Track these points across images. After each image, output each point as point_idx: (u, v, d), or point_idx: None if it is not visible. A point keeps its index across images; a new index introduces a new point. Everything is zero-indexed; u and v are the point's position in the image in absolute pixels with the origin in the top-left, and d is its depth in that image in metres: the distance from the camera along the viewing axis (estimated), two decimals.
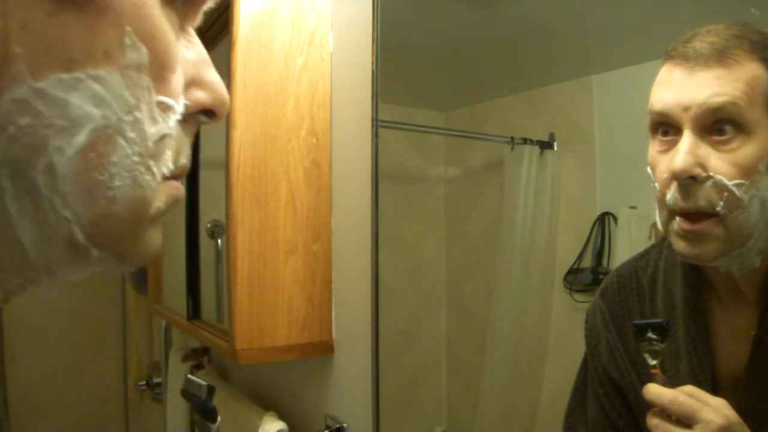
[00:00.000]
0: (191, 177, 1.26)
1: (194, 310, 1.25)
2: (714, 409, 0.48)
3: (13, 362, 2.21)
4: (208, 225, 1.30)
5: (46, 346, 2.27)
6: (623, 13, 0.74)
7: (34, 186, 0.25)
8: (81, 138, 0.25)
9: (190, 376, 0.93)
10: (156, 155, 0.28)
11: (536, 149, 0.85)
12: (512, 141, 0.88)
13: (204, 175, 1.27)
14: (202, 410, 0.93)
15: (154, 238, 0.31)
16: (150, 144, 0.27)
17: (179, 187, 0.31)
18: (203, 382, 0.91)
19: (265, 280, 0.95)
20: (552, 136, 0.84)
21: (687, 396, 0.50)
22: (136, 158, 0.27)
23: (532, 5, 0.92)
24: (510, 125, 0.91)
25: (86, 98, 0.25)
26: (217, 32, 1.10)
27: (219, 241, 1.29)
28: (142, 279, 1.54)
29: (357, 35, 0.96)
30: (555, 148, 0.83)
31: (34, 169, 0.24)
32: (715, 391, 0.54)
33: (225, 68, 0.95)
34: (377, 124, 0.90)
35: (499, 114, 0.97)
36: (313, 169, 1.00)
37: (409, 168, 1.12)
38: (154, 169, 0.28)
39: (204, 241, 1.29)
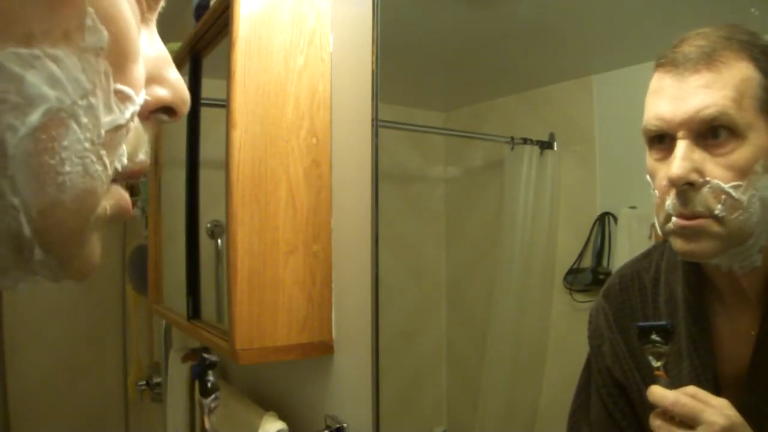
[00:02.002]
0: (191, 177, 1.27)
1: (194, 310, 1.25)
2: (717, 409, 0.49)
3: (13, 362, 2.21)
4: (208, 225, 1.30)
5: (46, 346, 2.28)
6: (623, 13, 0.74)
7: None
8: (34, 118, 0.24)
9: (204, 354, 0.95)
10: (108, 145, 0.27)
11: (536, 149, 0.85)
12: (512, 141, 0.88)
13: (204, 175, 1.26)
14: (198, 380, 0.95)
15: (96, 246, 0.30)
16: (102, 132, 0.26)
17: (128, 201, 0.31)
18: (208, 356, 0.93)
19: (265, 280, 0.95)
20: (552, 136, 0.84)
21: (689, 397, 0.50)
22: (87, 145, 0.26)
23: (532, 5, 0.92)
24: (510, 125, 0.91)
25: (42, 77, 0.24)
26: (217, 32, 1.10)
27: (219, 241, 1.29)
28: (142, 279, 1.54)
29: (357, 35, 0.96)
30: (555, 148, 0.83)
31: None
32: (716, 391, 0.54)
33: (225, 68, 0.95)
34: (377, 124, 0.90)
35: (499, 114, 0.97)
36: (313, 169, 1.00)
37: (409, 168, 1.12)
38: (106, 160, 0.27)
39: (204, 241, 1.29)
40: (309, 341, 0.98)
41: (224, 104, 0.95)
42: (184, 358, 1.47)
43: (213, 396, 0.95)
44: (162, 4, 0.32)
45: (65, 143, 0.25)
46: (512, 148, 0.88)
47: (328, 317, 1.01)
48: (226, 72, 0.94)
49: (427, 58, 1.07)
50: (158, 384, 1.84)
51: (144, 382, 1.90)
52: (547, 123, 0.85)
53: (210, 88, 1.18)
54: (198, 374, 0.95)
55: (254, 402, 1.12)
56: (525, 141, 0.87)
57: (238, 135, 0.93)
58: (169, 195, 1.45)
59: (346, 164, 0.99)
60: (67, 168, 0.25)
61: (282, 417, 1.03)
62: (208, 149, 1.26)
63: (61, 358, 2.31)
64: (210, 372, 0.96)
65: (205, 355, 0.95)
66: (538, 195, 0.86)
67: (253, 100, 0.94)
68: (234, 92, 0.92)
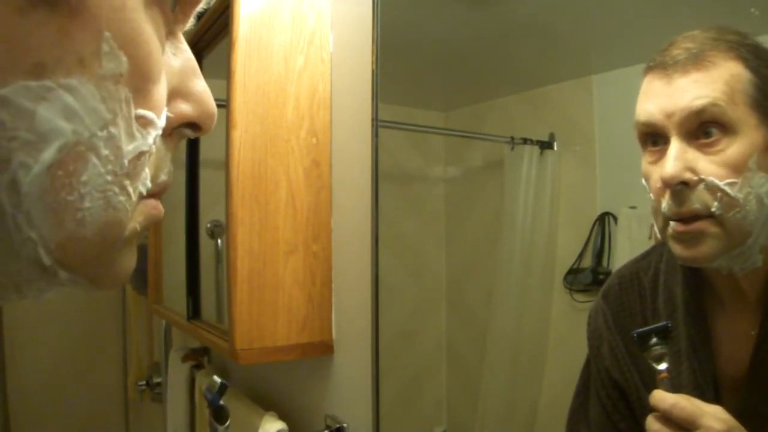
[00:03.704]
0: (191, 177, 1.27)
1: (194, 310, 1.25)
2: (712, 415, 0.49)
3: (13, 362, 2.21)
4: (208, 225, 1.30)
5: (46, 346, 2.27)
6: (623, 13, 0.74)
7: None
8: (49, 154, 0.22)
9: (215, 377, 0.93)
10: (132, 174, 0.25)
11: (536, 149, 0.85)
12: (512, 141, 0.88)
13: (204, 175, 1.27)
14: (210, 407, 0.93)
15: (127, 260, 0.29)
16: (125, 162, 0.25)
17: (157, 206, 0.29)
18: (218, 380, 0.91)
19: (265, 280, 0.95)
20: (552, 136, 0.84)
21: (688, 401, 0.50)
22: (109, 177, 0.24)
23: (532, 5, 0.92)
24: (510, 125, 0.91)
25: (56, 110, 0.22)
26: (217, 32, 1.10)
27: (219, 241, 1.29)
28: (142, 279, 1.54)
29: (357, 35, 0.96)
30: (555, 148, 0.83)
31: None
32: (716, 393, 0.54)
33: (225, 68, 0.95)
34: (377, 124, 0.90)
35: (499, 114, 0.97)
36: (313, 169, 1.00)
37: (409, 168, 1.12)
38: (129, 189, 0.25)
39: (204, 241, 1.29)
40: (309, 341, 0.98)
41: (224, 104, 0.95)
42: (184, 358, 1.47)
43: (228, 423, 0.94)
44: (192, 17, 0.30)
45: (84, 178, 0.23)
46: (512, 148, 0.88)
47: (328, 317, 1.01)
48: (226, 72, 0.94)
49: (427, 58, 1.07)
50: (158, 384, 1.83)
51: (144, 382, 1.90)
52: (547, 123, 0.85)
53: (210, 88, 1.18)
54: (216, 403, 0.92)
55: (254, 402, 1.12)
56: (525, 141, 0.87)
57: (238, 135, 0.93)
58: (169, 195, 1.44)
59: (346, 164, 0.99)
60: (87, 204, 0.24)
61: (282, 417, 1.03)
62: (208, 149, 1.26)
63: (61, 358, 2.31)
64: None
65: (217, 379, 0.92)
66: (538, 195, 0.86)
67: (253, 100, 0.94)
68: (234, 92, 0.92)
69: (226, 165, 0.94)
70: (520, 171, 0.87)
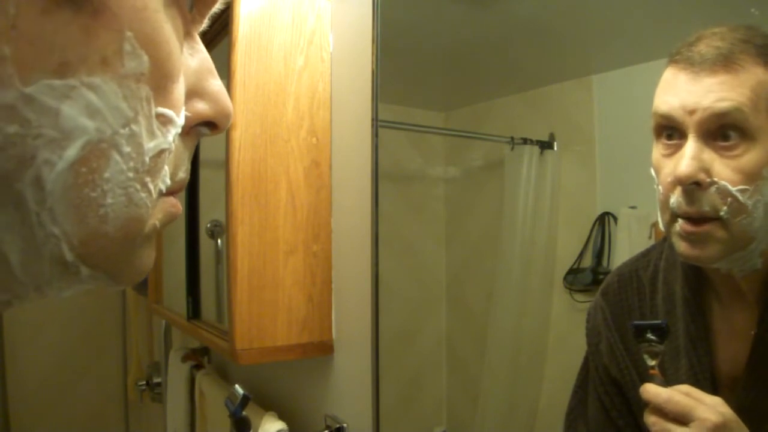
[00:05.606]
0: (191, 177, 1.26)
1: (194, 310, 1.25)
2: (710, 407, 0.49)
3: (13, 362, 2.21)
4: (208, 225, 1.30)
5: (46, 346, 2.27)
6: (623, 13, 0.74)
7: (21, 199, 0.23)
8: (72, 152, 0.23)
9: (236, 386, 0.93)
10: (152, 171, 0.26)
11: (536, 149, 0.85)
12: (512, 141, 0.88)
13: (204, 175, 1.26)
14: (233, 418, 0.92)
15: (147, 255, 0.29)
16: (147, 159, 0.25)
17: (176, 204, 0.30)
18: (240, 391, 0.91)
19: (265, 280, 0.95)
20: (552, 136, 0.84)
21: (683, 395, 0.50)
22: (131, 174, 0.25)
23: (532, 5, 0.92)
24: (510, 125, 0.91)
25: (79, 108, 0.23)
26: (217, 32, 1.10)
27: (219, 241, 1.29)
28: (143, 279, 1.54)
29: (357, 35, 0.96)
30: (555, 148, 0.83)
31: (21, 181, 0.22)
32: (714, 390, 0.54)
33: (225, 68, 0.95)
34: (377, 124, 0.90)
35: (499, 114, 0.97)
36: (313, 168, 1.00)
37: (409, 168, 1.12)
38: (150, 186, 0.26)
39: (204, 241, 1.29)
40: (309, 341, 0.98)
41: None
42: (184, 358, 1.47)
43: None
44: (213, 9, 0.31)
45: (107, 175, 0.24)
46: (512, 148, 0.88)
47: (328, 317, 1.01)
48: (226, 72, 0.94)
49: (427, 58, 1.07)
50: (158, 384, 1.83)
51: (144, 382, 1.90)
52: (547, 123, 0.85)
53: None
54: (238, 414, 0.91)
55: (254, 402, 1.12)
56: (525, 141, 0.87)
57: (238, 135, 0.93)
58: None
59: (346, 164, 0.99)
60: (109, 200, 0.24)
61: (282, 417, 1.03)
62: (208, 149, 1.26)
63: (61, 358, 2.31)
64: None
65: (240, 390, 0.91)
66: (538, 195, 0.86)
67: (253, 100, 0.94)
68: (234, 92, 0.92)
69: (226, 165, 0.94)
70: (520, 171, 0.87)
